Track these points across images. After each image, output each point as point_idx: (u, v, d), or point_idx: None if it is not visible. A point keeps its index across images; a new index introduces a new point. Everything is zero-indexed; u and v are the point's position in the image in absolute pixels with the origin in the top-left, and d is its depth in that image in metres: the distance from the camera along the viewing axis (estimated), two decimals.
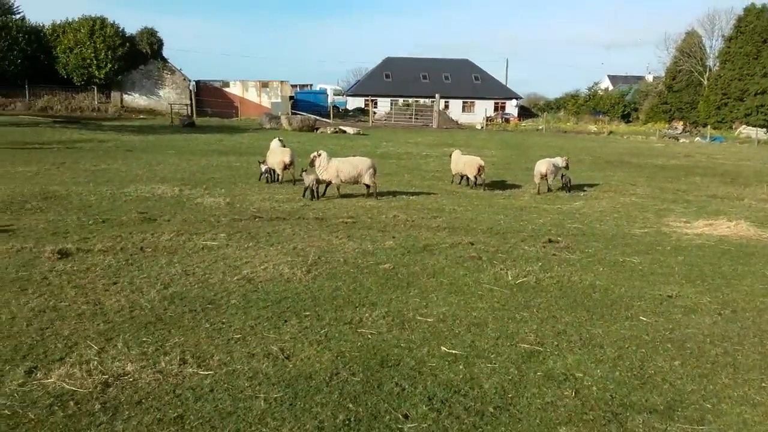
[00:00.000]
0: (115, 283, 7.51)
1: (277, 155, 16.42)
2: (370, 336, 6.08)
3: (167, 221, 11.21)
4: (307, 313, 6.66)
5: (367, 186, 14.63)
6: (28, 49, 41.26)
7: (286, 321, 6.42)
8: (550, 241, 10.76)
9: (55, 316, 6.31)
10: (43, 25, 44.74)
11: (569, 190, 17.40)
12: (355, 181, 14.44)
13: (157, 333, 5.98)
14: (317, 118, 44.24)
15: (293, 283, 7.75)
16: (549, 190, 17.26)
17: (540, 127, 58.45)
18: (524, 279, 8.30)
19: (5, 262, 8.20)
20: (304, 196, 14.23)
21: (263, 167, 16.57)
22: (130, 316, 6.41)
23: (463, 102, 69.93)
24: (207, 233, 10.38)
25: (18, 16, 45.66)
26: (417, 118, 54.88)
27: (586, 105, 72.48)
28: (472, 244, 10.21)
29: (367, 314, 6.68)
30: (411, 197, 15.13)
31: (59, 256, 8.51)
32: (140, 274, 7.91)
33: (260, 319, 6.43)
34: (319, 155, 14.30)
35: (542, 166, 16.79)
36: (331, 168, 14.24)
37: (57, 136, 26.84)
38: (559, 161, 17.54)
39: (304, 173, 14.62)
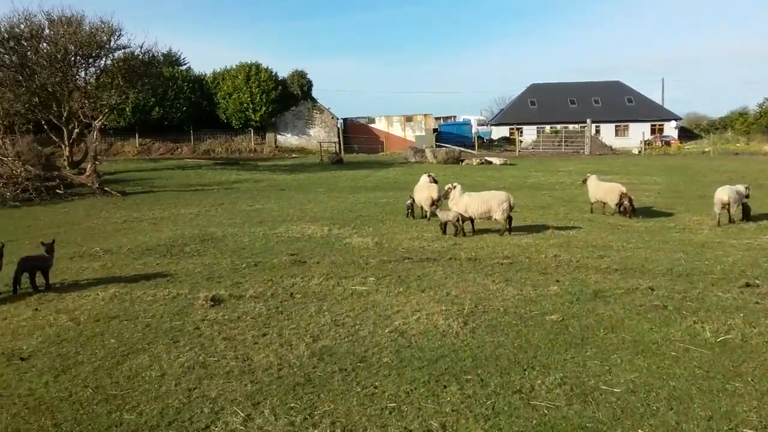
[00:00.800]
0: (264, 335, 7.17)
1: (423, 191, 15.90)
2: (546, 411, 5.12)
3: (317, 263, 10.93)
4: (469, 377, 5.83)
5: (508, 219, 13.67)
6: (192, 97, 44.74)
7: (445, 387, 5.63)
8: (747, 285, 9.10)
9: (204, 374, 6.00)
10: (205, 74, 48.42)
11: (750, 220, 15.26)
12: (487, 216, 13.59)
13: (306, 397, 5.44)
14: (462, 149, 43.65)
15: (449, 337, 6.97)
16: (730, 221, 15.16)
17: (706, 150, 53.62)
18: (727, 336, 6.90)
19: (161, 309, 8.20)
20: (444, 232, 13.52)
21: (409, 202, 16.22)
22: (278, 375, 5.95)
23: (616, 126, 66.13)
24: (356, 277, 9.93)
25: (184, 67, 49.89)
26: (567, 146, 52.56)
27: (758, 123, 65.63)
28: (653, 289, 8.85)
29: (539, 380, 5.72)
30: (571, 233, 13.85)
31: (212, 304, 8.39)
32: (289, 324, 7.53)
33: (416, 383, 5.70)
34: (454, 187, 13.82)
35: (723, 193, 14.80)
36: (461, 202, 13.63)
37: (217, 177, 28.43)
38: (741, 188, 15.42)
39: (437, 209, 14.15)
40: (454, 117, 70.13)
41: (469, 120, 64.95)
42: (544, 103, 69.08)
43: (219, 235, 13.70)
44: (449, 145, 46.11)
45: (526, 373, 5.92)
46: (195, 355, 6.55)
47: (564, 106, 68.50)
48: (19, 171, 20.97)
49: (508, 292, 8.80)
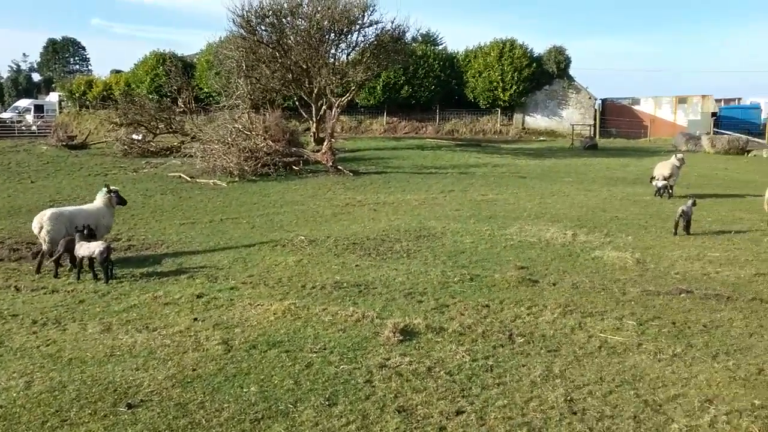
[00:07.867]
0: (458, 413, 4.76)
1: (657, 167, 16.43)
2: None
3: (552, 286, 8.17)
4: None
5: None
6: (441, 75, 43.42)
7: None
8: None
9: None
10: (458, 52, 46.77)
11: None
12: None
13: None
14: (749, 138, 36.21)
15: None
16: None
17: None
18: None
19: (335, 339, 6.20)
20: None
21: (657, 183, 16.15)
22: None
23: None
24: (607, 315, 7.03)
25: (440, 47, 48.79)
26: None
27: None
28: None
29: None
30: None
31: (400, 338, 6.19)
32: (500, 397, 5.00)
33: None
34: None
35: None
36: None
37: (455, 159, 26.47)
38: None
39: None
40: (739, 99, 59.78)
41: (759, 104, 54.66)
42: None
43: (438, 231, 11.54)
44: (732, 133, 38.72)
45: None
46: None
47: None
48: (261, 146, 21.13)
49: None
